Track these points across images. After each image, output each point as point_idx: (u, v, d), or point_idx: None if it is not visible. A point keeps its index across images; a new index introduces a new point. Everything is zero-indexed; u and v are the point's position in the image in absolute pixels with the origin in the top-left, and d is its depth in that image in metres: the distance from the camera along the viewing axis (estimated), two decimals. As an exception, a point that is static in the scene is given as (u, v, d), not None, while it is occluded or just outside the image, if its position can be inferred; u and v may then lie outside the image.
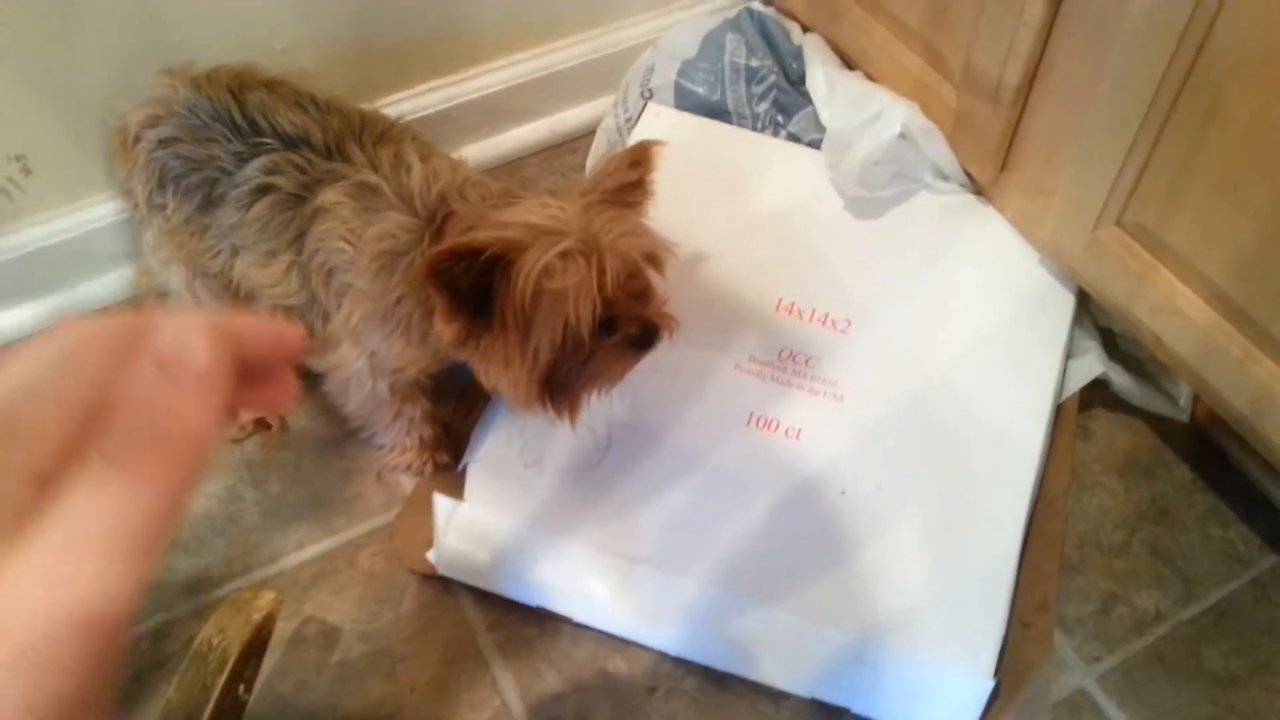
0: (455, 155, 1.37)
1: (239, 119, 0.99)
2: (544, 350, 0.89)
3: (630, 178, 0.95)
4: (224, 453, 1.18)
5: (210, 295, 1.13)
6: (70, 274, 1.28)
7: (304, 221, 0.96)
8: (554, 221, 0.87)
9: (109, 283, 1.30)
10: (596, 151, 1.36)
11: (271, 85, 1.03)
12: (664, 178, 1.25)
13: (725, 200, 1.26)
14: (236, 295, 1.09)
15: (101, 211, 1.26)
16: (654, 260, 0.95)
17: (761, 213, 1.25)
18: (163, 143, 1.02)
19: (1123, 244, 1.04)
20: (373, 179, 0.95)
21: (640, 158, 0.96)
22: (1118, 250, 1.04)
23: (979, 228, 1.22)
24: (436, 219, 0.92)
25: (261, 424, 1.19)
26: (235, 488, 1.16)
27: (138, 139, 1.04)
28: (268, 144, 0.98)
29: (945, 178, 1.23)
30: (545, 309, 0.87)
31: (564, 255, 0.86)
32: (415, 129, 1.07)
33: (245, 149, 0.98)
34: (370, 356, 1.02)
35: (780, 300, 1.19)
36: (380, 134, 1.01)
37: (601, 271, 0.87)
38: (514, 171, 1.42)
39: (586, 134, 1.42)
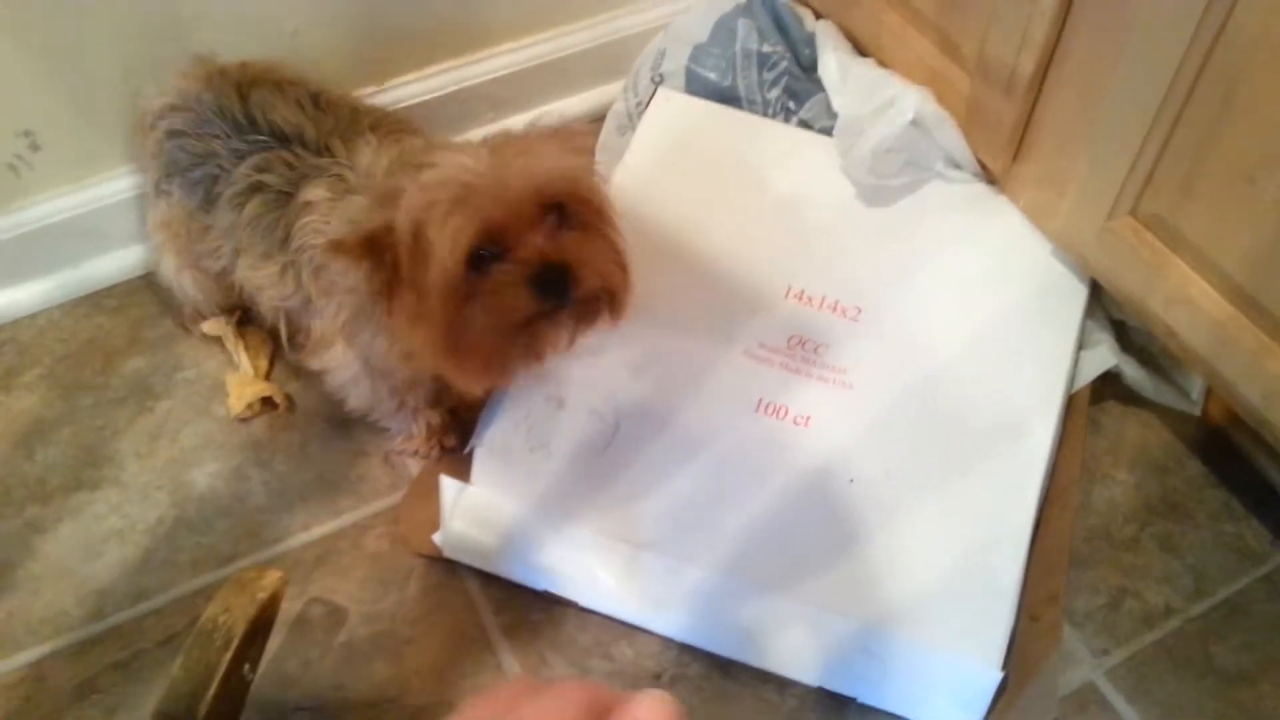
0: (460, 139, 1.38)
1: (239, 116, 0.99)
2: (433, 296, 0.81)
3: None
4: (231, 432, 1.18)
5: (197, 290, 1.13)
6: (78, 252, 1.28)
7: (290, 219, 0.95)
8: (463, 159, 0.82)
9: (116, 261, 1.30)
10: (605, 137, 1.35)
11: (281, 84, 1.02)
12: (674, 163, 1.26)
13: (735, 186, 1.25)
14: (240, 297, 1.09)
15: (110, 189, 1.25)
16: (577, 194, 0.85)
17: (771, 199, 1.24)
18: (171, 134, 1.02)
19: (1136, 234, 1.02)
20: (345, 169, 0.93)
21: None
22: (1131, 241, 1.03)
23: (991, 217, 1.21)
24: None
25: (268, 403, 1.18)
26: (241, 467, 1.15)
27: (153, 126, 1.04)
28: (262, 141, 0.97)
29: (957, 166, 1.22)
30: (425, 246, 0.80)
31: (443, 184, 0.80)
32: (411, 118, 1.06)
33: (243, 146, 0.98)
34: (364, 359, 1.00)
35: (790, 287, 1.18)
36: (370, 125, 0.99)
37: (480, 189, 0.79)
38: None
39: (596, 120, 1.41)
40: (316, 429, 1.18)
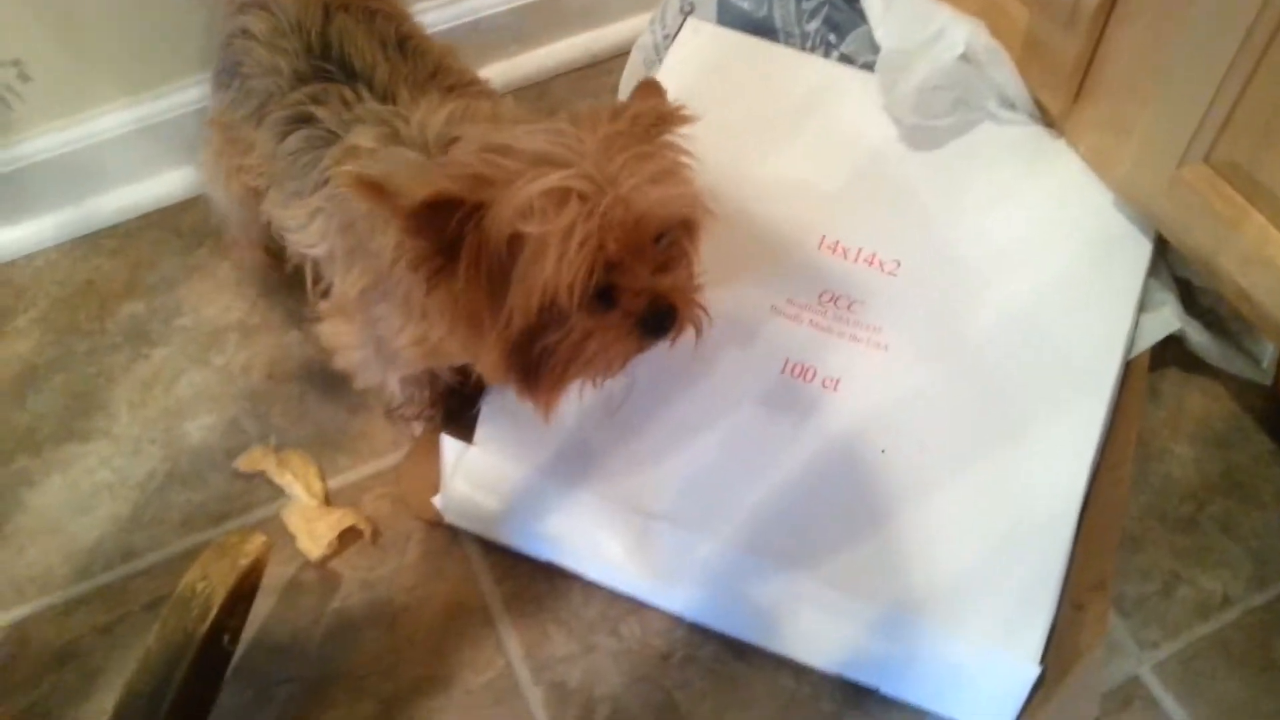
0: (481, 73, 1.30)
1: (314, 37, 0.89)
2: (517, 314, 0.74)
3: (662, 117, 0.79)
4: (227, 382, 1.12)
5: (236, 205, 1.03)
6: (76, 190, 1.23)
7: (332, 162, 0.85)
8: (563, 150, 0.72)
9: (117, 200, 1.25)
10: (631, 71, 1.26)
11: (373, 13, 0.92)
12: (702, 100, 1.16)
13: (767, 126, 1.16)
14: (268, 232, 1.00)
15: (108, 124, 1.20)
16: (687, 223, 0.78)
17: (807, 141, 1.15)
18: (244, 33, 0.93)
19: (1210, 184, 0.94)
20: (400, 120, 0.83)
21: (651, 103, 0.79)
22: (1204, 191, 0.95)
23: (1047, 163, 1.12)
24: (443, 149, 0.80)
25: (351, 533, 1.03)
26: (237, 420, 1.10)
27: (233, 15, 0.95)
28: (328, 71, 0.88)
29: (1012, 106, 1.13)
30: (523, 261, 0.71)
31: (553, 193, 0.70)
32: (494, 88, 0.95)
33: (306, 69, 0.89)
34: (376, 340, 0.91)
35: (824, 237, 1.10)
36: (450, 86, 0.89)
37: (604, 220, 0.71)
38: (543, 93, 1.33)
39: (622, 54, 1.32)
40: (316, 381, 1.12)
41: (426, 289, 0.76)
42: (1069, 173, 1.11)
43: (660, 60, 1.22)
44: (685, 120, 0.80)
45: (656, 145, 0.77)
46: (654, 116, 0.78)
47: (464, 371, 1.00)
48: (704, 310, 0.83)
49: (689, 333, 0.83)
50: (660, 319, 0.78)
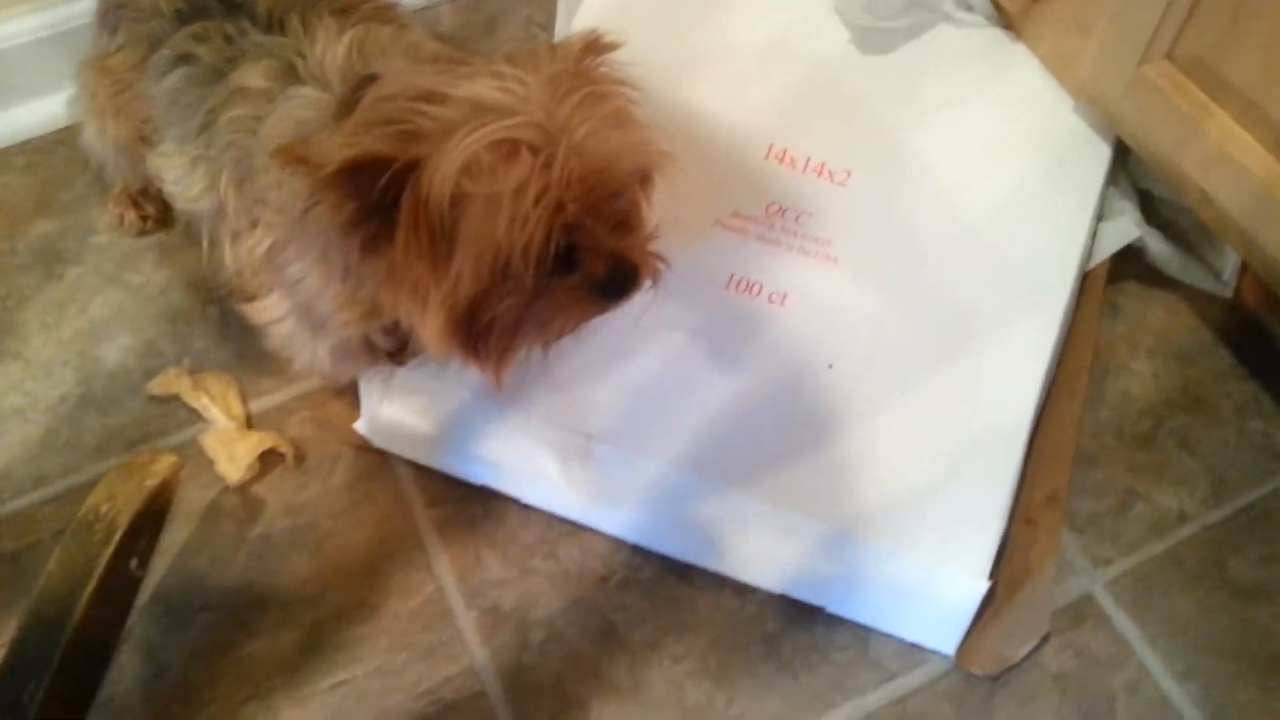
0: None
1: None
2: (465, 280, 0.68)
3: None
4: (145, 302, 1.07)
5: (113, 150, 0.98)
6: (-20, 102, 1.16)
7: (216, 104, 0.78)
8: (505, 96, 0.65)
9: (25, 115, 1.18)
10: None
11: None
12: (642, 2, 1.11)
13: (711, 29, 1.12)
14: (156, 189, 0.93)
15: (13, 30, 1.13)
16: (643, 172, 0.74)
17: (753, 44, 1.11)
18: None
19: (1172, 81, 0.92)
20: (295, 55, 0.76)
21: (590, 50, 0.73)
22: (1166, 89, 0.92)
23: (1005, 68, 1.09)
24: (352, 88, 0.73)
25: (272, 455, 0.98)
26: (155, 342, 1.05)
27: None
28: (206, 7, 0.81)
29: (969, 7, 1.10)
30: (470, 222, 0.65)
31: (499, 146, 0.64)
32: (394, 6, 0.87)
33: (188, 7, 0.82)
34: (299, 307, 0.84)
35: (771, 146, 1.06)
36: (342, 7, 0.81)
37: (560, 175, 0.65)
38: (479, 5, 1.26)
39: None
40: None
41: (360, 257, 0.70)
42: (1027, 77, 1.08)
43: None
44: (612, 46, 0.74)
45: (606, 85, 0.71)
46: (583, 48, 0.72)
47: (401, 336, 0.94)
48: (662, 261, 0.77)
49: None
50: (622, 282, 0.73)
